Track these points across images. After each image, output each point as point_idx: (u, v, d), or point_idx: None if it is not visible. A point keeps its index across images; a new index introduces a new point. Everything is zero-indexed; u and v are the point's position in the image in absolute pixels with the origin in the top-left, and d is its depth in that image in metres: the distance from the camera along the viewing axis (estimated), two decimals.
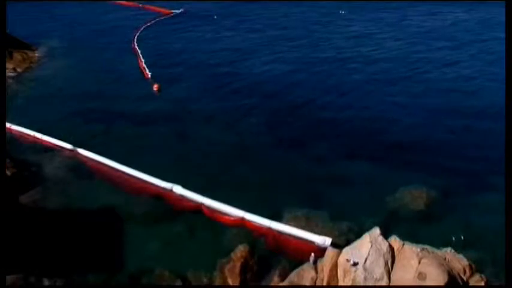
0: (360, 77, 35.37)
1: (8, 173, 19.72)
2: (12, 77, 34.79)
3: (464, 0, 70.71)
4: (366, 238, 14.40)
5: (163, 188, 19.27)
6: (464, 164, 22.05)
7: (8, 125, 25.00)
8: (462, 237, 16.41)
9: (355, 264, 13.65)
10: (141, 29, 53.69)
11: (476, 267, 13.92)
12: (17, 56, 38.51)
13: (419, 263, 13.54)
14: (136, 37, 48.85)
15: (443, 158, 22.71)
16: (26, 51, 40.80)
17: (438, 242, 14.59)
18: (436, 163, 22.11)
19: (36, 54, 41.27)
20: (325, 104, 29.61)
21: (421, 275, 13.17)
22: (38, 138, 23.84)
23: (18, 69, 36.42)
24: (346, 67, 38.14)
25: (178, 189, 19.04)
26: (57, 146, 22.91)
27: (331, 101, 30.26)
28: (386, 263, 13.78)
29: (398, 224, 17.24)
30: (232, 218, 17.50)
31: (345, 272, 13.77)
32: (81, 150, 22.21)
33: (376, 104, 29.76)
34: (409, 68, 37.64)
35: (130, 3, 77.80)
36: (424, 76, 35.43)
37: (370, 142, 24.32)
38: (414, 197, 18.95)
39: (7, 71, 35.37)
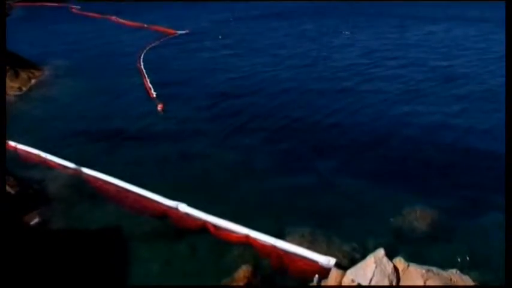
0: (362, 95, 35.53)
1: (12, 191, 19.77)
2: (18, 96, 35.12)
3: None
4: (370, 259, 14.28)
5: (169, 206, 19.23)
6: (469, 183, 21.94)
7: (13, 143, 25.21)
8: (468, 258, 16.27)
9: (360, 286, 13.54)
10: (147, 48, 54.25)
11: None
12: (23, 75, 38.89)
13: (424, 283, 13.40)
14: (141, 57, 49.34)
15: (448, 176, 22.62)
16: (32, 70, 41.23)
17: (443, 263, 14.46)
18: (440, 182, 22.01)
19: (42, 73, 41.67)
20: (328, 123, 29.68)
21: None
22: (42, 157, 23.89)
23: (24, 88, 36.77)
24: (350, 86, 38.28)
25: (183, 208, 19.00)
26: (61, 165, 22.96)
27: (333, 120, 30.35)
28: (391, 284, 13.66)
29: (403, 245, 17.09)
30: (237, 236, 17.42)
31: None
32: (85, 169, 22.23)
33: (380, 122, 29.79)
34: (415, 85, 37.90)
35: (136, 24, 78.82)
36: (428, 91, 35.59)
37: (373, 161, 24.29)
38: (419, 217, 18.80)
39: (13, 90, 35.75)
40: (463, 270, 14.30)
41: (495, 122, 29.12)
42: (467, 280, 13.70)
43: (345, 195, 20.70)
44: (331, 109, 32.40)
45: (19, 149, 24.82)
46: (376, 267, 13.96)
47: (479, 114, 31.37)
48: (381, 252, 14.39)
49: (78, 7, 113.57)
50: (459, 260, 16.14)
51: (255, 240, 17.18)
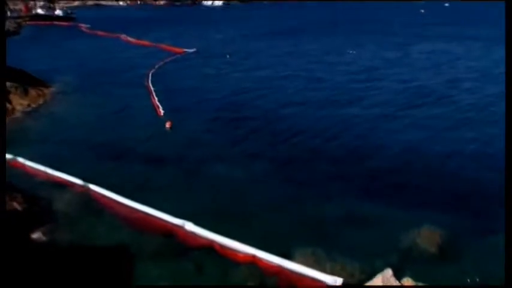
0: (367, 114, 35.61)
1: (19, 208, 19.85)
2: (27, 113, 35.41)
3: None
4: (378, 279, 14.19)
5: (175, 225, 19.20)
6: (477, 201, 21.82)
7: (21, 160, 25.37)
8: (477, 279, 16.10)
9: None
10: (155, 66, 54.73)
11: None
12: (32, 92, 39.26)
13: None
14: (149, 74, 49.74)
15: (455, 195, 22.49)
16: (41, 87, 41.63)
17: (452, 283, 14.31)
18: (447, 201, 21.88)
19: (51, 91, 42.06)
20: (331, 142, 29.72)
21: None
22: (49, 174, 23.99)
23: (33, 105, 37.08)
24: (354, 105, 38.45)
25: (190, 226, 18.96)
26: (68, 181, 23.03)
27: (337, 138, 30.43)
28: None
29: (410, 265, 16.92)
30: (243, 255, 17.33)
31: None
32: (92, 186, 22.28)
33: (384, 142, 29.77)
34: (422, 102, 37.93)
35: (144, 42, 79.65)
36: (433, 112, 35.62)
37: (377, 180, 24.21)
38: (426, 236, 18.63)
39: (22, 107, 36.08)
40: None
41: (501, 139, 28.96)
42: None
43: (351, 214, 20.60)
44: (335, 127, 32.51)
45: (27, 166, 24.91)
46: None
47: (483, 132, 31.42)
48: (388, 272, 14.29)
49: (88, 26, 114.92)
50: (468, 280, 15.97)
51: (261, 259, 17.10)
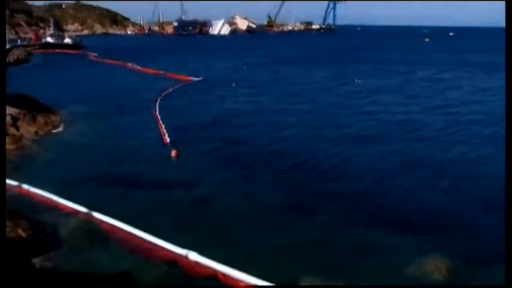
0: (371, 143, 35.59)
1: (24, 235, 19.82)
2: (35, 140, 35.64)
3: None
4: None
5: (179, 254, 19.09)
6: (482, 230, 21.58)
7: (26, 187, 25.45)
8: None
9: None
10: (162, 94, 55.25)
11: None
12: (40, 119, 39.60)
13: None
14: (156, 102, 50.18)
15: (461, 225, 22.25)
16: (49, 114, 42.02)
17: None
18: (453, 230, 21.62)
19: (59, 118, 42.41)
20: (334, 171, 29.66)
21: None
22: (54, 201, 24.00)
23: (41, 132, 37.33)
24: (358, 133, 38.58)
25: (193, 256, 18.84)
26: (73, 209, 23.02)
27: (341, 168, 30.34)
28: None
29: None
30: (246, 286, 17.15)
31: None
32: (96, 214, 22.26)
33: (389, 171, 29.69)
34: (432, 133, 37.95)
35: (152, 70, 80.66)
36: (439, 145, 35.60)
37: (383, 209, 24.03)
38: (433, 266, 18.37)
39: (30, 134, 36.35)
40: None
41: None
42: None
43: (355, 244, 20.37)
44: (338, 157, 32.49)
45: (32, 193, 24.96)
46: None
47: (488, 156, 31.47)
48: None
49: (96, 54, 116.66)
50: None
51: None
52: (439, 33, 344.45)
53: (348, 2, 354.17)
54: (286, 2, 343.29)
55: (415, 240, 20.72)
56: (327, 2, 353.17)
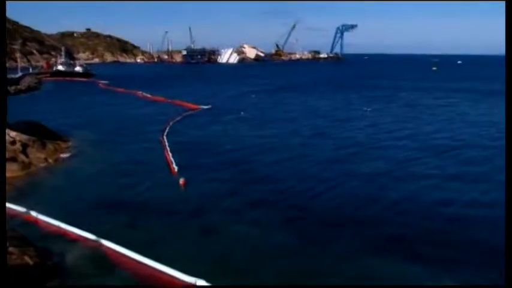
0: (378, 169, 35.55)
1: (31, 262, 19.72)
2: (44, 167, 35.82)
3: None
4: None
5: (187, 282, 18.91)
6: (492, 253, 21.27)
7: (34, 214, 25.45)
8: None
9: None
10: (170, 123, 55.54)
11: None
12: (49, 146, 39.87)
13: None
14: (164, 130, 50.42)
15: (472, 252, 21.98)
16: (58, 141, 42.33)
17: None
18: (465, 257, 21.37)
19: (68, 145, 42.70)
20: (341, 199, 29.48)
21: None
22: (62, 228, 23.96)
23: (50, 160, 37.53)
24: (366, 163, 38.45)
25: (201, 283, 18.64)
26: (81, 236, 22.96)
27: (347, 195, 30.18)
28: None
29: None
30: None
31: None
32: (104, 242, 22.17)
33: (399, 199, 29.47)
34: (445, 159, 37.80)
35: (161, 98, 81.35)
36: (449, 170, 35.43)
37: (393, 236, 23.74)
38: None
39: (39, 161, 36.56)
40: None
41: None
42: None
43: (366, 273, 20.11)
44: (345, 185, 32.37)
45: (40, 220, 24.96)
46: None
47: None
48: None
49: (106, 82, 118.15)
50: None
51: None
52: (447, 61, 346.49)
53: (355, 30, 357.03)
54: (294, 31, 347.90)
55: (423, 267, 20.35)
56: (334, 31, 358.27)
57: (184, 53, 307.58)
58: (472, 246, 22.85)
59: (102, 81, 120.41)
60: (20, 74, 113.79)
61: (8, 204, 26.06)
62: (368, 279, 19.68)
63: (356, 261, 21.22)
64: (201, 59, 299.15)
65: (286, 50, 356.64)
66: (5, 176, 17.37)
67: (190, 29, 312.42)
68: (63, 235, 23.37)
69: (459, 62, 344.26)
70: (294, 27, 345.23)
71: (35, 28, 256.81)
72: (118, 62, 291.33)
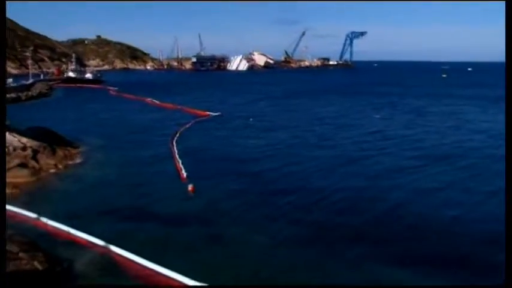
0: (392, 180, 35.33)
1: (40, 267, 19.79)
2: (54, 174, 36.00)
3: None
4: None
5: None
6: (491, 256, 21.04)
7: (44, 220, 25.56)
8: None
9: None
10: (180, 130, 55.68)
11: None
12: (59, 152, 40.07)
13: None
14: (174, 137, 50.56)
15: (484, 264, 21.70)
16: (68, 148, 42.54)
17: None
18: (476, 268, 21.12)
19: (78, 151, 42.89)
20: (352, 207, 29.35)
21: None
22: (71, 234, 24.04)
23: (60, 166, 37.69)
24: (375, 167, 38.39)
25: None
26: (90, 242, 23.02)
27: (360, 204, 29.99)
28: None
29: None
30: None
31: None
32: (113, 247, 22.21)
33: (411, 209, 29.32)
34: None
35: (170, 105, 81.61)
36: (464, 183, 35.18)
37: (407, 246, 23.60)
38: None
39: (49, 167, 36.76)
40: None
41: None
42: None
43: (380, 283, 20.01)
44: (356, 193, 32.12)
45: (49, 225, 25.06)
46: None
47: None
48: None
49: (116, 88, 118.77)
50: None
51: None
52: (457, 69, 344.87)
53: (364, 37, 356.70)
54: (303, 38, 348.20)
55: (434, 278, 20.28)
56: (344, 38, 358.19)
57: (194, 60, 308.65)
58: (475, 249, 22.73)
59: (112, 88, 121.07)
60: (31, 80, 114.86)
61: (18, 210, 26.36)
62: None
63: (366, 269, 21.07)
64: (210, 66, 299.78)
65: (295, 57, 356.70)
66: (5, 176, 17.48)
67: (200, 36, 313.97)
68: (72, 241, 23.44)
69: (469, 69, 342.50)
70: (303, 34, 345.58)
71: (45, 34, 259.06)
72: (128, 69, 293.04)
